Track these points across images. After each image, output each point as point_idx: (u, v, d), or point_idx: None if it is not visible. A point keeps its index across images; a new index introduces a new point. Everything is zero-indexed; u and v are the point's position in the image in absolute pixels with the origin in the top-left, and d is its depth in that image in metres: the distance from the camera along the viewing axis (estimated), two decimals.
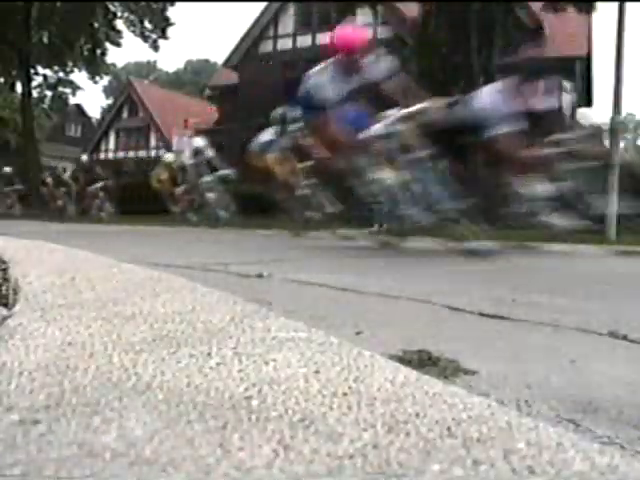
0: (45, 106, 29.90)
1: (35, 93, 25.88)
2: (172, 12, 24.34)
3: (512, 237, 5.03)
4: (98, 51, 24.83)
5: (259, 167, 7.53)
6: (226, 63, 23.80)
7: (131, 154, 32.76)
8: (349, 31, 4.81)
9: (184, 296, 1.26)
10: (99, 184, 13.78)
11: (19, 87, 24.23)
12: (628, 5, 6.70)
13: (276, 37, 22.96)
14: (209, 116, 23.78)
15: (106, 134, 34.79)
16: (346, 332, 1.36)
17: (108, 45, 24.92)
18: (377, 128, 4.71)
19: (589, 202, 5.63)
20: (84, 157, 15.68)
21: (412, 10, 17.14)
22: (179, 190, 11.37)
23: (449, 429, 0.57)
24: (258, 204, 9.19)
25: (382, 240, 5.21)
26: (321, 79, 4.67)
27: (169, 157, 12.42)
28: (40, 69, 25.56)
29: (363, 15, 20.36)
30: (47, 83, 26.90)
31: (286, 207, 7.42)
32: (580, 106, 17.66)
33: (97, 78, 26.85)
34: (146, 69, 63.98)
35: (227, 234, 6.91)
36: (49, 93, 28.40)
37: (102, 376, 0.71)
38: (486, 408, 0.64)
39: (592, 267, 3.79)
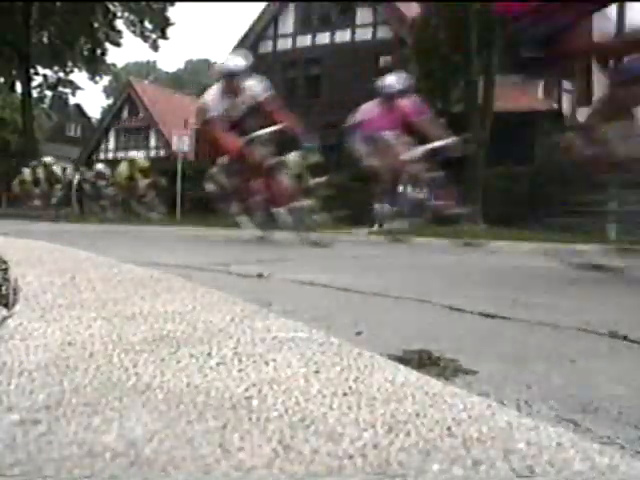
0: (45, 106, 29.92)
1: (35, 93, 25.93)
2: (172, 12, 24.39)
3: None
4: (98, 51, 24.87)
5: None
6: None
7: (131, 154, 32.65)
8: None
9: (184, 296, 1.26)
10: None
11: (19, 87, 24.29)
12: (628, 5, 6.70)
13: (276, 37, 22.94)
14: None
15: (106, 134, 34.75)
16: (346, 332, 1.36)
17: (108, 45, 24.98)
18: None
19: None
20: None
21: (412, 10, 17.13)
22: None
23: (449, 429, 0.57)
24: None
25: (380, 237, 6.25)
26: None
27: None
28: (40, 69, 25.62)
29: (363, 15, 20.33)
30: (47, 83, 26.91)
31: None
32: (580, 105, 17.63)
33: (97, 78, 26.97)
34: (146, 69, 63.94)
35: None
36: (49, 93, 28.47)
37: (102, 376, 0.71)
38: (486, 408, 0.64)
39: None
